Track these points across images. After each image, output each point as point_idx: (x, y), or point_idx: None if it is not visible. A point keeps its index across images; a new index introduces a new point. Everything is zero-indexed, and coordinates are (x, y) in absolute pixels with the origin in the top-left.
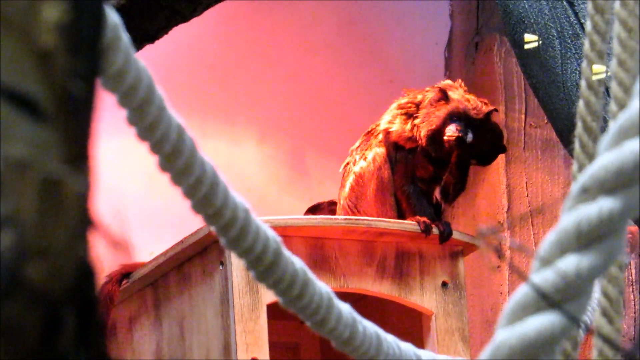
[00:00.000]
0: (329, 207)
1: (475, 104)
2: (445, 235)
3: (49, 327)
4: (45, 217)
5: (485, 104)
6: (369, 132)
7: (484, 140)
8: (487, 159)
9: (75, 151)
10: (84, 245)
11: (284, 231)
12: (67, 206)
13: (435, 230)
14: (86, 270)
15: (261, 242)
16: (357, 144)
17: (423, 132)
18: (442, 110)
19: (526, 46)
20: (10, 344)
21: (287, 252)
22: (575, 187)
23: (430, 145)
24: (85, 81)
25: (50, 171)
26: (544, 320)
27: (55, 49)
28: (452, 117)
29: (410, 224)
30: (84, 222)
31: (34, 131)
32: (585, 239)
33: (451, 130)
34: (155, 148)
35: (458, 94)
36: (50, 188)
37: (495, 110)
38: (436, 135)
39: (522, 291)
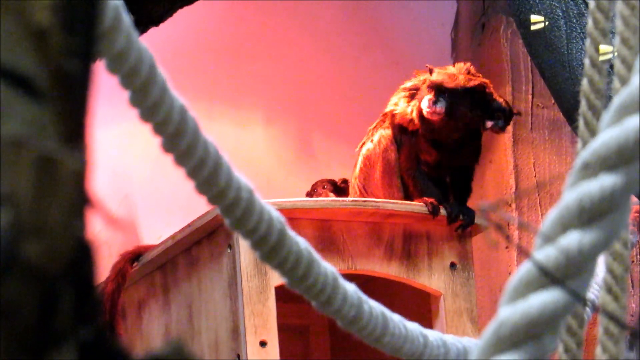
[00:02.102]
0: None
1: (452, 74)
2: (453, 217)
3: (46, 305)
4: (41, 195)
5: (486, 83)
6: (386, 112)
7: (468, 111)
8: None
9: (71, 129)
10: (80, 223)
11: (291, 213)
12: (63, 184)
13: (442, 212)
14: (83, 248)
15: (265, 223)
16: (374, 124)
17: (415, 112)
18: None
19: (532, 27)
20: (8, 322)
21: (291, 233)
22: (577, 164)
23: (421, 124)
24: (80, 59)
25: (46, 149)
26: (547, 297)
27: (50, 27)
28: (428, 91)
29: (417, 205)
30: (80, 200)
31: (30, 109)
32: (587, 215)
33: (425, 103)
34: (158, 129)
35: (445, 71)
36: (46, 166)
37: (484, 85)
38: (422, 113)
39: (525, 268)
